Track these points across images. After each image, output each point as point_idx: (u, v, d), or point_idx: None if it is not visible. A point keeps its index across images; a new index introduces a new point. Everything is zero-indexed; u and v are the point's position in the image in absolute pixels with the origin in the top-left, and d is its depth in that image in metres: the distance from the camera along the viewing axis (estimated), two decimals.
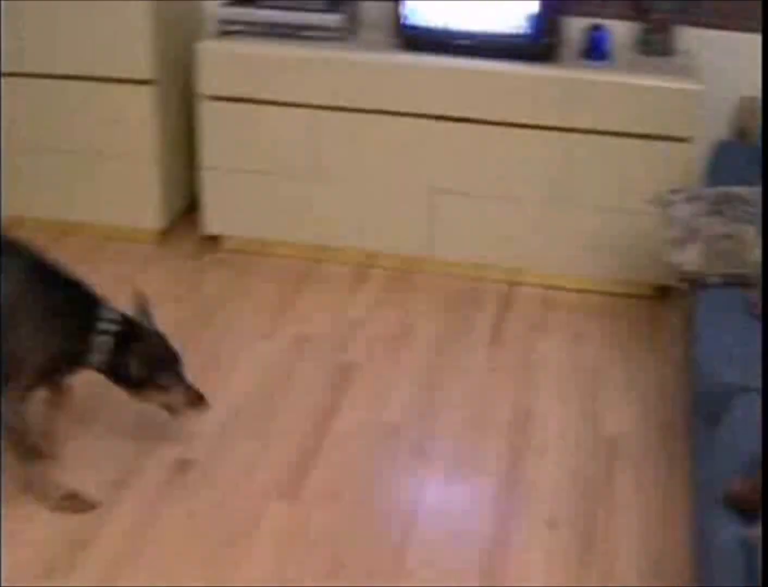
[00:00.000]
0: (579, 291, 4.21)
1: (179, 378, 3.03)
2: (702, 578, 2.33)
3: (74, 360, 2.93)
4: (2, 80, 4.19)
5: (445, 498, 3.11)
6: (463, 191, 4.09)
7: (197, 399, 3.05)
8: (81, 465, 3.08)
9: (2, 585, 2.66)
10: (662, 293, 4.18)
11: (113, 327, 2.91)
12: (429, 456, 3.25)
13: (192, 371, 3.09)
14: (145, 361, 2.93)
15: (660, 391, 3.60)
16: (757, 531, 2.07)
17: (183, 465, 3.13)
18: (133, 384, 2.97)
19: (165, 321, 3.15)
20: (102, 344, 2.89)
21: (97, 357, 2.90)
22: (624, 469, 3.21)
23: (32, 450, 2.93)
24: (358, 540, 2.89)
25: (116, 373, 2.95)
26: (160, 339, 3.03)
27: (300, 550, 2.84)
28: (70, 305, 2.92)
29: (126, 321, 2.96)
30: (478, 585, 2.74)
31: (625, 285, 4.17)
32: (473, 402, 3.51)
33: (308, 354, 3.71)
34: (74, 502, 2.94)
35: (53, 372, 2.97)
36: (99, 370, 2.95)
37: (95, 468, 3.09)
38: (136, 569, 2.74)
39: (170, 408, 3.07)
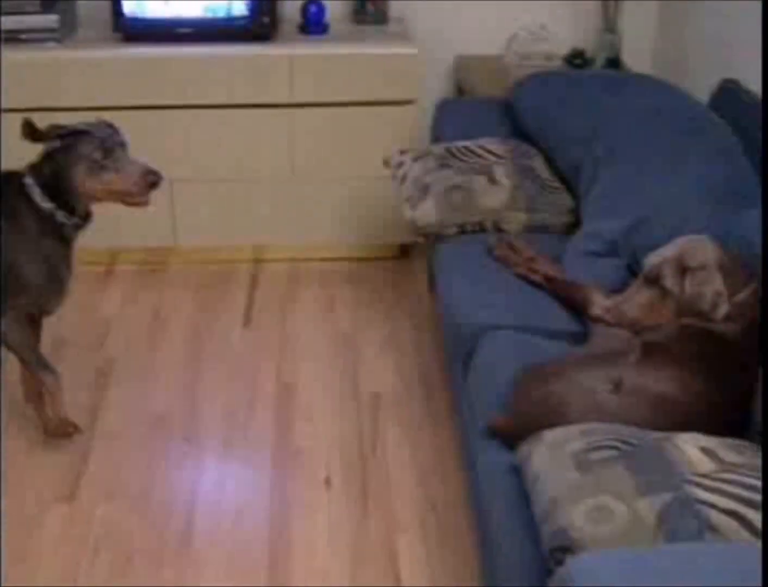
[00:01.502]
0: (325, 260, 4.31)
1: (126, 158, 3.00)
2: (477, 508, 2.46)
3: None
4: None
5: (222, 477, 3.13)
6: (201, 177, 4.11)
7: (149, 172, 3.00)
8: None
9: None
10: (405, 252, 4.34)
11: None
12: (200, 440, 3.27)
13: None
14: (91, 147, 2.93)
15: (416, 346, 3.75)
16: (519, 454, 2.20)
17: None
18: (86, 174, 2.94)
19: None
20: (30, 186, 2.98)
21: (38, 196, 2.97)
22: (391, 423, 3.33)
23: (42, 359, 3.14)
24: (142, 533, 2.88)
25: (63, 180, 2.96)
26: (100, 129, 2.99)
27: (87, 551, 2.81)
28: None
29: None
30: (267, 553, 2.79)
31: (369, 249, 4.30)
32: (236, 383, 3.55)
33: (66, 357, 3.64)
34: (66, 427, 3.17)
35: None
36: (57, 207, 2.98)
37: None
38: None
39: (129, 193, 3.01)
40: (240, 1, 3.91)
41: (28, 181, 2.98)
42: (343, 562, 2.77)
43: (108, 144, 2.95)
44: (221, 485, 3.10)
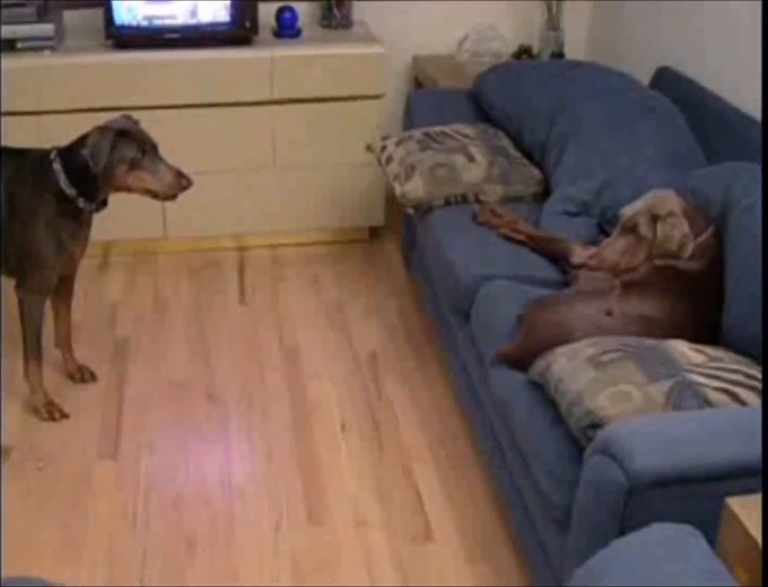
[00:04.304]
0: (303, 245, 4.73)
1: (162, 160, 3.33)
2: (500, 418, 2.87)
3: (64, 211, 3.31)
4: None
5: (249, 429, 3.51)
6: (190, 171, 4.46)
7: (182, 176, 3.34)
8: None
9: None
10: (375, 234, 4.79)
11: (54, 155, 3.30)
12: (221, 400, 3.67)
13: None
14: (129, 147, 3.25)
15: (398, 310, 4.21)
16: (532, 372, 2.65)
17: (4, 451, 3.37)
18: (124, 171, 3.26)
19: None
20: (57, 172, 3.27)
21: (64, 182, 3.27)
22: (389, 375, 3.78)
23: (39, 348, 3.46)
24: (185, 479, 3.26)
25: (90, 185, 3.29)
26: (137, 131, 3.31)
27: (138, 495, 3.19)
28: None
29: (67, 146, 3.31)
30: (301, 487, 3.21)
31: (342, 233, 4.73)
32: (244, 350, 3.95)
33: (82, 338, 3.99)
34: (51, 409, 3.51)
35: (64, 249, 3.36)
36: (79, 193, 3.28)
37: None
38: None
39: (159, 192, 3.34)
40: (222, 10, 4.31)
41: (57, 166, 3.27)
42: (370, 488, 3.21)
43: (147, 145, 3.29)
44: (249, 435, 3.48)
